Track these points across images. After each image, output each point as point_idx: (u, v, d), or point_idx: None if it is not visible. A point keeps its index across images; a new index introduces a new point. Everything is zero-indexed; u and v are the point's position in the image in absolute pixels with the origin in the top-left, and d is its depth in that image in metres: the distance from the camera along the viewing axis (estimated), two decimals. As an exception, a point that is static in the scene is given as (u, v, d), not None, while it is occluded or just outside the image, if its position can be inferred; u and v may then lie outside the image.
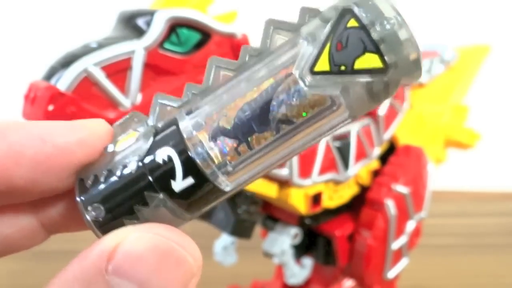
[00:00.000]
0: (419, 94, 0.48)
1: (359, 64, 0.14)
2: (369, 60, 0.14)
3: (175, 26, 0.33)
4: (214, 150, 0.15)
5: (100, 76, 0.31)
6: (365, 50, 0.14)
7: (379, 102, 0.15)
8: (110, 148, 0.16)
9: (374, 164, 0.42)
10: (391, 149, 0.44)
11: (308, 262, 0.43)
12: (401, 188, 0.40)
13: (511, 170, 0.91)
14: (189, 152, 0.15)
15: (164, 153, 0.15)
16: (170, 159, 0.15)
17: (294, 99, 0.15)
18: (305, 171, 0.36)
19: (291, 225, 0.41)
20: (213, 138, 0.15)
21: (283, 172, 0.35)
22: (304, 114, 0.15)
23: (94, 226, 0.16)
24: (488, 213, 0.81)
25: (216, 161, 0.15)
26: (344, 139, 0.38)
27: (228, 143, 0.15)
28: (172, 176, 0.15)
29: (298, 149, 0.16)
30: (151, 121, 0.16)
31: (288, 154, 0.16)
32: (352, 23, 0.14)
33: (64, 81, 0.30)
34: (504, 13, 0.86)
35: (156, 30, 0.32)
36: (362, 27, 0.14)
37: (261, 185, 0.36)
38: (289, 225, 0.41)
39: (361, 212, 0.41)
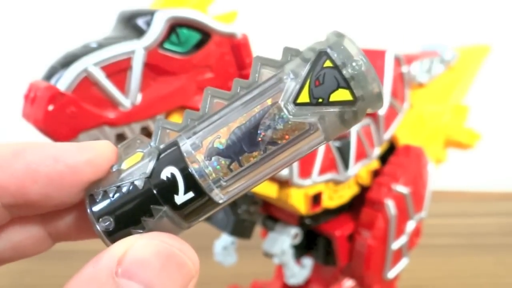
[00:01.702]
0: (419, 94, 0.48)
1: (334, 97, 0.17)
2: (342, 94, 0.17)
3: (175, 26, 0.33)
4: (209, 167, 0.18)
5: (100, 76, 0.31)
6: (338, 86, 0.17)
7: (350, 127, 0.18)
8: (116, 167, 0.18)
9: (374, 164, 0.42)
10: (391, 149, 0.44)
11: (308, 262, 0.43)
12: (401, 188, 0.40)
13: (511, 170, 0.91)
14: (189, 170, 0.17)
15: (168, 171, 0.17)
16: (173, 176, 0.17)
17: (279, 125, 0.18)
18: (305, 171, 0.36)
19: (291, 225, 0.41)
20: (209, 157, 0.18)
21: (283, 172, 0.35)
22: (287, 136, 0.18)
23: (104, 235, 0.18)
24: (488, 213, 0.81)
25: (211, 177, 0.18)
26: (344, 139, 0.38)
27: (222, 161, 0.18)
28: (175, 190, 0.17)
29: (282, 165, 0.19)
30: (153, 143, 0.18)
31: (273, 170, 0.19)
32: (328, 63, 0.17)
33: (64, 81, 0.30)
34: (504, 13, 0.86)
35: (156, 30, 0.32)
36: (336, 67, 0.17)
37: (261, 185, 0.36)
38: (289, 225, 0.41)
39: (361, 212, 0.41)
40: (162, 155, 0.18)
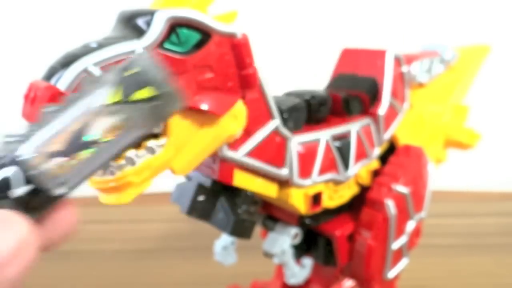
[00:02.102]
0: (419, 94, 0.48)
1: (139, 95, 0.24)
2: (145, 93, 0.24)
3: (175, 26, 0.33)
4: (48, 166, 0.21)
5: (100, 76, 0.31)
6: (143, 87, 0.24)
7: (162, 117, 0.25)
8: None
9: (374, 164, 0.42)
10: (391, 149, 0.44)
11: (308, 262, 0.43)
12: (401, 188, 0.40)
13: (511, 170, 0.91)
14: (30, 170, 0.21)
15: (8, 171, 0.21)
16: (12, 175, 0.21)
17: (101, 125, 0.22)
18: (305, 171, 0.36)
19: (291, 225, 0.41)
20: (48, 157, 0.21)
21: (283, 172, 0.35)
22: (111, 132, 0.23)
23: None
24: (488, 213, 0.81)
25: (51, 174, 0.21)
26: (344, 139, 0.38)
27: (60, 160, 0.21)
28: (15, 187, 0.21)
29: (113, 156, 0.23)
30: None
31: (105, 162, 0.23)
32: (134, 71, 0.24)
33: (64, 81, 0.30)
34: (504, 13, 0.86)
35: (156, 30, 0.32)
36: (140, 73, 0.24)
37: (261, 185, 0.36)
38: (289, 225, 0.41)
39: (361, 212, 0.41)
40: (5, 160, 0.21)
